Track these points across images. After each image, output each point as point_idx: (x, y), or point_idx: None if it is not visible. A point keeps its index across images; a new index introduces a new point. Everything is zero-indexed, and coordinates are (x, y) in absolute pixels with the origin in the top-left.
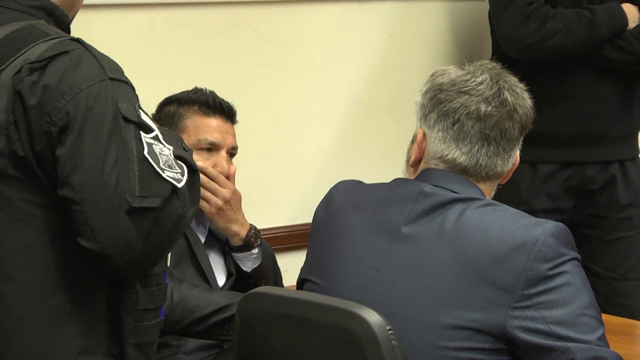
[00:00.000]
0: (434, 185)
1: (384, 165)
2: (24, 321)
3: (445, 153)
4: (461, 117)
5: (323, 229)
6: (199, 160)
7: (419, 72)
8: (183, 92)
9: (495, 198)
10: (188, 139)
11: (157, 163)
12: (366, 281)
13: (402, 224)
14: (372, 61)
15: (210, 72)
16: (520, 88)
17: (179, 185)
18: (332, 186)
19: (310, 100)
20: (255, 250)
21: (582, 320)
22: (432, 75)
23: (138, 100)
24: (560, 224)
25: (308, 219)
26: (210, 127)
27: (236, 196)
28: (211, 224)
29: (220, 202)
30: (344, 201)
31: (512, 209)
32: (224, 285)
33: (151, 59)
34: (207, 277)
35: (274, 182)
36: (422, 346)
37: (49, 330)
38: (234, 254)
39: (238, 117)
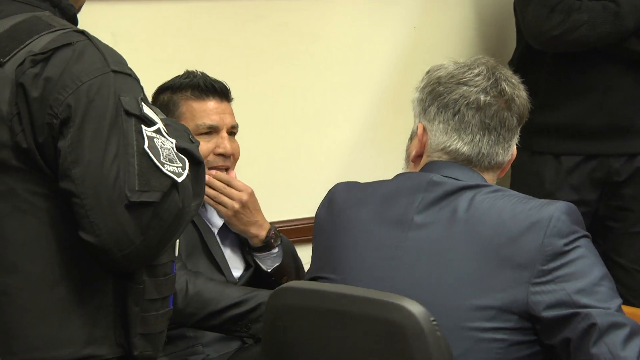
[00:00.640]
0: (442, 175)
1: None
2: (29, 312)
3: (448, 144)
4: (461, 108)
5: (329, 228)
6: (202, 146)
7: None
8: (174, 78)
9: (518, 189)
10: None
11: (158, 157)
12: (383, 271)
13: (414, 213)
14: (395, 54)
15: (229, 65)
16: (516, 79)
17: (179, 180)
18: (330, 188)
19: (332, 94)
20: (275, 250)
21: (600, 289)
22: (428, 72)
23: (142, 92)
24: (570, 203)
25: None
26: (206, 110)
27: (253, 198)
28: (230, 227)
29: (237, 206)
30: (348, 199)
31: (519, 194)
32: (240, 277)
33: (169, 51)
34: (220, 269)
35: (295, 174)
36: (447, 329)
37: (55, 321)
38: (254, 253)
39: (259, 109)
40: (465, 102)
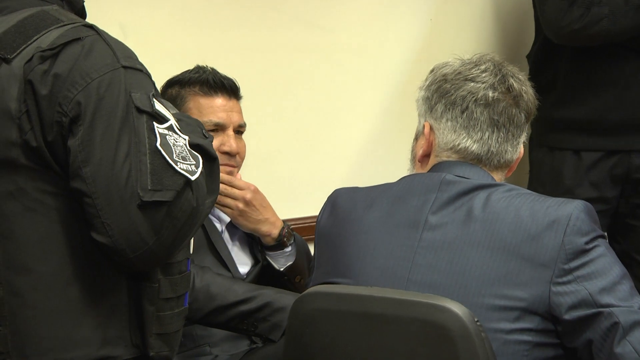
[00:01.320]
0: (454, 175)
1: None
2: (42, 312)
3: (457, 142)
4: (469, 105)
5: (334, 232)
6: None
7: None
8: (184, 72)
9: (536, 186)
10: None
11: (170, 155)
12: (398, 272)
13: (428, 213)
14: (412, 46)
15: (246, 56)
16: (522, 76)
17: (193, 178)
18: (330, 195)
19: (345, 88)
20: (288, 249)
21: (621, 288)
22: (432, 70)
23: (154, 88)
24: (587, 202)
25: None
26: (213, 107)
27: (258, 195)
28: (240, 228)
29: (241, 205)
30: (353, 203)
31: (534, 193)
32: (248, 273)
33: (179, 44)
34: (226, 265)
35: (310, 170)
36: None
37: (68, 322)
38: (266, 252)
39: (271, 104)
40: (474, 99)
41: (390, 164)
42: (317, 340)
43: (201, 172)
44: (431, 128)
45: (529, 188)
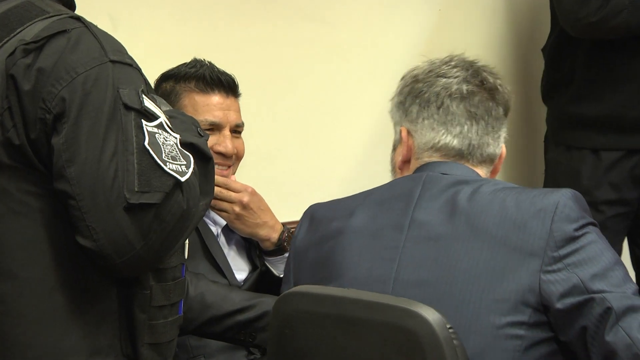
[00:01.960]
0: (438, 172)
1: None
2: (27, 320)
3: (437, 140)
4: (444, 100)
5: (315, 246)
6: None
7: (471, 51)
8: (180, 65)
9: (553, 187)
10: None
11: (159, 154)
12: (385, 273)
13: (413, 212)
14: (419, 38)
15: (243, 50)
16: (495, 71)
17: (183, 179)
18: (305, 211)
19: (349, 82)
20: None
21: (613, 274)
22: (402, 78)
23: (144, 83)
24: (575, 190)
25: None
26: (209, 105)
27: (255, 198)
28: (237, 232)
29: (237, 209)
30: (332, 213)
31: (521, 186)
32: (245, 280)
33: (172, 37)
34: (222, 271)
35: (311, 169)
36: (461, 327)
37: (55, 330)
38: (265, 257)
39: (269, 100)
40: (448, 94)
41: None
42: (294, 342)
43: (193, 173)
44: (408, 132)
45: (544, 187)
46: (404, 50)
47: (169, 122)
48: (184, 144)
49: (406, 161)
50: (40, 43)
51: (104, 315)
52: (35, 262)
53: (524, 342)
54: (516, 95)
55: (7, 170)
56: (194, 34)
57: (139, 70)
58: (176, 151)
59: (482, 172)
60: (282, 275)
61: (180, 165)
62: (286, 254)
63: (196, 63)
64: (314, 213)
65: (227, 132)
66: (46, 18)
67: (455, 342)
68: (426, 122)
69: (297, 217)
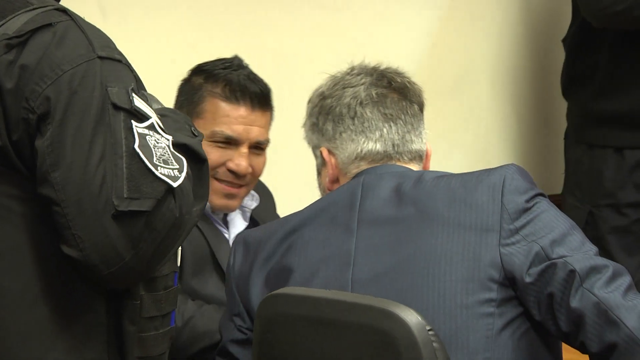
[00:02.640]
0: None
1: (443, 148)
2: (9, 333)
3: (359, 149)
4: (357, 109)
5: (259, 269)
6: (212, 157)
7: (486, 43)
8: (217, 61)
9: (573, 188)
10: (204, 128)
11: (150, 158)
12: (341, 278)
13: (357, 213)
14: (431, 27)
15: (235, 42)
16: (400, 71)
17: (175, 184)
18: (234, 241)
19: None
20: None
21: (571, 238)
22: (309, 101)
23: (135, 80)
24: (519, 165)
25: None
26: (229, 117)
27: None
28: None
29: None
30: (269, 234)
31: (461, 173)
32: None
33: (173, 24)
34: None
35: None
36: (428, 309)
37: (39, 343)
38: None
39: (278, 88)
40: (358, 102)
41: None
42: (275, 346)
43: (186, 177)
44: (329, 151)
45: (564, 189)
46: (416, 39)
47: (161, 121)
48: (177, 145)
49: (334, 181)
50: (24, 38)
51: (91, 328)
52: (18, 271)
53: (496, 321)
54: (534, 90)
55: None
56: (190, 23)
57: (129, 66)
58: (168, 154)
59: (414, 169)
60: None
61: (173, 169)
62: None
63: (232, 63)
64: (246, 239)
65: (244, 149)
66: (30, 10)
67: (435, 344)
68: (344, 135)
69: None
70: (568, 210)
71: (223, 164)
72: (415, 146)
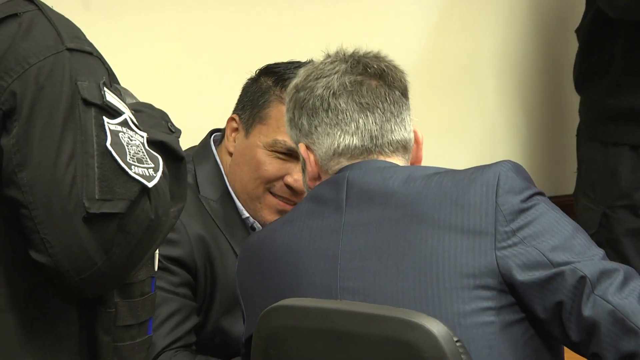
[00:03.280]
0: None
1: (447, 144)
2: None
3: (336, 144)
4: (330, 100)
5: (260, 276)
6: (270, 168)
7: (494, 33)
8: (289, 63)
9: (586, 187)
10: (265, 134)
11: (123, 157)
12: (328, 283)
13: (343, 216)
14: (435, 17)
15: (229, 36)
16: (379, 54)
17: (150, 184)
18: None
19: None
20: None
21: (575, 242)
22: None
23: (107, 74)
24: (514, 161)
25: None
26: None
27: None
28: None
29: None
30: (265, 238)
31: (453, 169)
32: None
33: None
34: None
35: None
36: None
37: (6, 356)
38: None
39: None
40: (331, 92)
41: None
42: None
43: (162, 177)
44: (307, 147)
45: (576, 189)
46: (419, 29)
47: (135, 117)
48: (152, 143)
49: (315, 178)
50: None
51: (62, 339)
52: None
53: (497, 330)
54: (544, 83)
55: None
56: (181, 15)
57: (100, 58)
58: (143, 152)
59: (400, 162)
60: None
61: (147, 168)
62: None
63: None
64: (248, 245)
65: None
66: None
67: (463, 356)
68: (319, 129)
69: None
70: (580, 212)
71: (281, 177)
72: (396, 136)
